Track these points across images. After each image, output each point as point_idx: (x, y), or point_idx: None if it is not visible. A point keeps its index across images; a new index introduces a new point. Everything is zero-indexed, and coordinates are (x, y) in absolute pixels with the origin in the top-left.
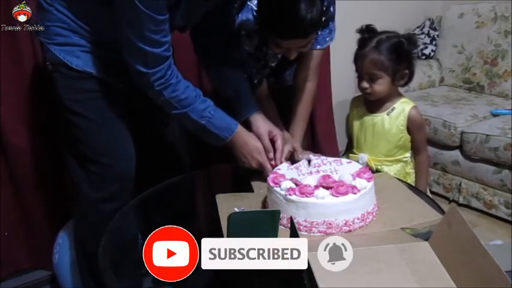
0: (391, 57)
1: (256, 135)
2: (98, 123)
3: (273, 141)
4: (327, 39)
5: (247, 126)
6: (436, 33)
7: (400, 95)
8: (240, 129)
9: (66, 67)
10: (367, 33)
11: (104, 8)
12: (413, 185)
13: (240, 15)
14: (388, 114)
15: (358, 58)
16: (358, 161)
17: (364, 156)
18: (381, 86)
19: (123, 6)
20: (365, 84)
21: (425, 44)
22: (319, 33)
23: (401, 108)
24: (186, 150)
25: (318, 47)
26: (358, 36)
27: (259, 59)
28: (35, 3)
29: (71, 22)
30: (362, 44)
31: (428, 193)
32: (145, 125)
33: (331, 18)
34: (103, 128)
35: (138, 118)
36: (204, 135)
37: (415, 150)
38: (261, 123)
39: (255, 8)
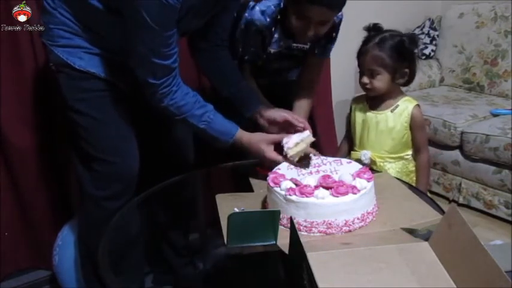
0: (392, 54)
1: (272, 123)
2: (101, 121)
3: (290, 124)
4: (329, 51)
5: (256, 120)
6: (436, 33)
7: (402, 93)
8: (241, 133)
9: (70, 68)
10: (374, 31)
11: (109, 17)
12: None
13: (245, 15)
14: (392, 112)
15: (361, 54)
16: (360, 158)
17: (367, 153)
18: (380, 82)
19: (134, 22)
20: (365, 80)
21: (425, 44)
22: (328, 46)
23: (405, 106)
24: (189, 150)
25: (322, 56)
26: (358, 36)
27: (260, 58)
28: (35, 4)
29: (74, 26)
30: (366, 40)
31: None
32: (148, 125)
33: (337, 32)
34: (106, 126)
35: (141, 118)
36: (207, 138)
37: (416, 149)
38: (273, 112)
39: (263, 8)
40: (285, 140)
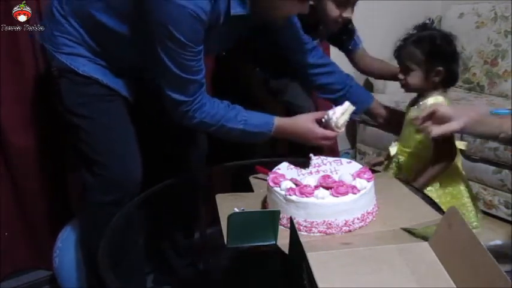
0: (425, 52)
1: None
2: (102, 124)
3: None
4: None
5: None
6: None
7: (438, 93)
8: (279, 120)
9: (74, 73)
10: (421, 29)
11: (124, 38)
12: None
13: None
14: (416, 108)
15: (397, 50)
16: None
17: (393, 144)
18: (413, 79)
19: (163, 41)
20: (400, 76)
21: None
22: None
23: (426, 104)
24: (190, 152)
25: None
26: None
27: None
28: (35, 4)
29: (79, 37)
30: (405, 38)
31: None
32: (150, 129)
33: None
34: (108, 129)
35: (143, 122)
36: (248, 138)
37: (433, 154)
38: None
39: None
40: (330, 112)
